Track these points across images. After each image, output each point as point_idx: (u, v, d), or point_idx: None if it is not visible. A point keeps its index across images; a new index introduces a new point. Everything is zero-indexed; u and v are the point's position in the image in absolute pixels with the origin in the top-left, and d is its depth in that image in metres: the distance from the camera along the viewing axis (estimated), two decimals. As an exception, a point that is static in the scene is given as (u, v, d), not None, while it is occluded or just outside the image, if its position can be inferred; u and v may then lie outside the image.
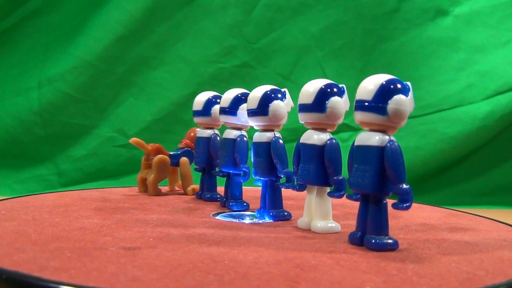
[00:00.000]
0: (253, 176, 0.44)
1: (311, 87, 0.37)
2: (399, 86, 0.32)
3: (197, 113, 0.53)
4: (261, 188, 0.44)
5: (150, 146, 0.58)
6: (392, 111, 0.31)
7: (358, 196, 0.34)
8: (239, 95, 0.47)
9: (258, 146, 0.42)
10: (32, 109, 1.01)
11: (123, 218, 0.41)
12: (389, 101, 0.31)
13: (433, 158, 0.95)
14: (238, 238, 0.35)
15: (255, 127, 0.43)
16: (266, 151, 0.42)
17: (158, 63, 1.03)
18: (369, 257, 0.31)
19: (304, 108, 0.37)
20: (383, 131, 0.32)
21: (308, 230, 0.39)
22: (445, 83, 0.97)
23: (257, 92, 0.42)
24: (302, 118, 0.38)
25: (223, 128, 0.53)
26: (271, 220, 0.43)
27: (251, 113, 0.42)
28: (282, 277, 0.26)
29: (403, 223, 0.44)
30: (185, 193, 0.59)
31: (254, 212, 0.45)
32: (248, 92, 0.47)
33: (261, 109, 0.41)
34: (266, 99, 0.41)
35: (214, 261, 0.28)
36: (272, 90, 0.42)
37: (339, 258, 0.30)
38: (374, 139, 0.32)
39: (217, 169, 0.53)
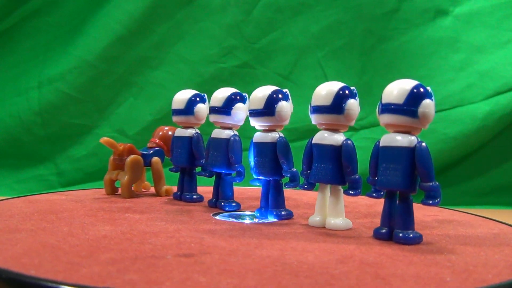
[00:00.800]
0: (255, 176, 0.44)
1: (326, 90, 0.38)
2: (424, 90, 0.33)
3: (178, 112, 0.51)
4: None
5: (121, 146, 0.54)
6: (422, 114, 0.33)
7: (381, 193, 0.35)
8: (232, 94, 0.46)
9: (262, 146, 0.42)
10: (32, 109, 1.01)
11: (131, 223, 0.39)
12: (420, 105, 0.33)
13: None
14: (273, 239, 0.35)
15: (258, 127, 0.43)
16: (271, 151, 0.42)
17: (158, 63, 1.03)
18: (408, 251, 0.32)
19: (320, 109, 0.38)
20: (408, 132, 0.34)
21: (322, 227, 0.39)
22: (445, 83, 0.97)
23: (262, 92, 0.42)
24: (317, 119, 0.39)
25: (203, 127, 0.52)
26: (276, 219, 0.43)
27: (256, 113, 0.42)
28: (369, 276, 0.26)
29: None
30: (158, 194, 0.56)
31: (253, 212, 0.45)
32: (239, 91, 0.47)
33: (268, 109, 0.41)
34: (272, 100, 0.41)
35: (283, 263, 0.28)
36: (276, 91, 0.42)
37: (388, 254, 0.31)
38: (402, 140, 0.34)
39: (198, 169, 0.51)
